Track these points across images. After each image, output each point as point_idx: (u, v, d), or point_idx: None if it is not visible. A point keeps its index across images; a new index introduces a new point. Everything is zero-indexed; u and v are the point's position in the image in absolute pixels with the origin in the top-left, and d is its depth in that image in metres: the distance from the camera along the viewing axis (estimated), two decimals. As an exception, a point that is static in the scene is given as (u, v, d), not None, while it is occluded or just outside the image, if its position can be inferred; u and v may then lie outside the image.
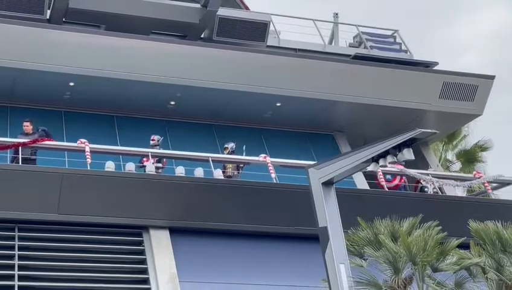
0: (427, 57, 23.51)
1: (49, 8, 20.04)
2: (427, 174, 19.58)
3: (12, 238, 16.08)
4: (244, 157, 19.07)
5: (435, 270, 13.72)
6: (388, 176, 19.65)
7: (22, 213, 16.11)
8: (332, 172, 14.09)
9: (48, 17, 20.02)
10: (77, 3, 19.97)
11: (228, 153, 19.16)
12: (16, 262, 15.66)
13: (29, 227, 16.28)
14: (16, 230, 16.20)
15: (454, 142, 30.40)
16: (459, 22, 60.68)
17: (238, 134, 21.61)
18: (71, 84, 19.58)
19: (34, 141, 17.26)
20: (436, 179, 18.99)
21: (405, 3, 59.73)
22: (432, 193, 20.07)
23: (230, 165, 18.85)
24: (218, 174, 18.14)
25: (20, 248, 15.97)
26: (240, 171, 18.83)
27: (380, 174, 19.12)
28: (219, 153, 19.86)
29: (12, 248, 15.96)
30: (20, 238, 16.12)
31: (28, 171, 16.46)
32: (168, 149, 19.58)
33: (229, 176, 18.63)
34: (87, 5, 20.13)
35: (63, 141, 18.69)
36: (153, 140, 18.88)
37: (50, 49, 18.88)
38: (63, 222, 16.42)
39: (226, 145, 19.44)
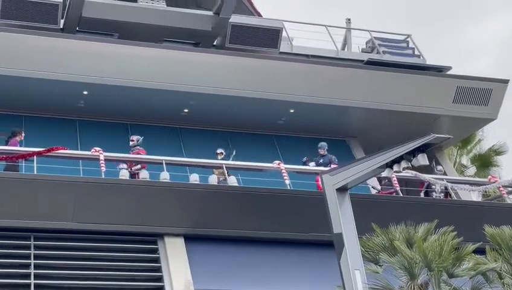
0: (440, 62, 23.46)
1: (62, 18, 20.15)
2: (442, 179, 19.51)
3: (28, 247, 16.14)
4: (257, 163, 19.05)
5: (451, 276, 13.64)
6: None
7: (37, 222, 16.16)
8: (346, 178, 14.07)
9: (61, 27, 20.14)
10: (90, 12, 20.07)
11: (222, 159, 18.96)
12: (32, 271, 15.69)
13: (44, 236, 16.33)
14: (32, 239, 16.25)
15: (469, 147, 30.28)
16: (472, 26, 60.56)
17: (251, 141, 21.66)
18: (85, 92, 19.68)
19: (49, 150, 17.32)
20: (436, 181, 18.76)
21: (417, 8, 59.67)
22: (438, 194, 19.97)
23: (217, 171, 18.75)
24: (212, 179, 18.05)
25: (36, 257, 16.01)
26: (227, 176, 18.66)
27: (395, 180, 19.04)
28: (233, 160, 19.85)
29: (28, 257, 16.00)
30: (36, 247, 16.16)
31: (43, 180, 16.52)
32: (182, 156, 19.63)
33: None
34: (100, 14, 20.23)
35: (78, 150, 18.76)
36: (132, 141, 18.72)
37: (64, 58, 18.99)
38: (78, 230, 16.46)
39: (217, 151, 19.25)
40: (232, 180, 18.19)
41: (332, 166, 18.69)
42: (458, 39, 58.92)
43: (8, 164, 17.29)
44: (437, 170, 21.59)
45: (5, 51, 18.51)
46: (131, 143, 18.71)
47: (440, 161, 23.01)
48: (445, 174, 21.41)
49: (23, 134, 18.26)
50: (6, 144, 17.94)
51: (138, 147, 18.66)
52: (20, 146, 17.94)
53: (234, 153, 19.20)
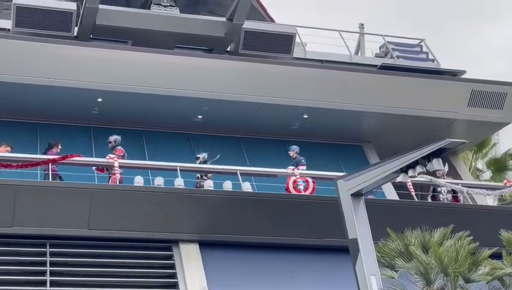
0: (455, 66, 23.40)
1: (76, 26, 20.23)
2: (457, 184, 19.40)
3: (44, 254, 16.20)
4: (271, 169, 19.03)
5: (467, 281, 13.57)
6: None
7: (53, 229, 16.22)
8: (361, 183, 14.04)
9: (75, 34, 20.22)
10: (104, 20, 20.15)
11: (200, 163, 18.84)
12: (48, 278, 15.75)
13: (60, 243, 16.38)
14: (48, 246, 16.31)
15: (484, 151, 30.17)
16: (486, 29, 60.32)
17: (265, 146, 21.64)
18: (99, 100, 19.74)
19: (63, 157, 17.38)
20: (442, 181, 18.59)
21: (431, 12, 59.52)
22: (445, 196, 19.84)
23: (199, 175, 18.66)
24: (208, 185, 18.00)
25: (52, 264, 16.07)
26: (205, 179, 18.54)
27: (410, 185, 18.96)
28: (247, 166, 19.84)
29: (44, 264, 16.07)
30: (52, 254, 16.22)
31: (58, 188, 16.58)
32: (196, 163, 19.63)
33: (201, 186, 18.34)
34: (114, 21, 20.30)
35: (92, 157, 18.81)
36: (110, 142, 18.51)
37: (78, 65, 19.05)
38: (93, 237, 16.51)
39: (198, 155, 19.12)
40: (209, 184, 18.08)
41: (300, 167, 18.77)
42: (471, 43, 58.74)
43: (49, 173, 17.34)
44: (438, 173, 21.35)
45: (19, 59, 18.59)
46: (109, 145, 18.50)
47: (455, 165, 22.91)
48: (447, 176, 21.18)
49: (59, 146, 18.21)
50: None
51: (118, 147, 18.48)
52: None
53: (218, 156, 19.06)
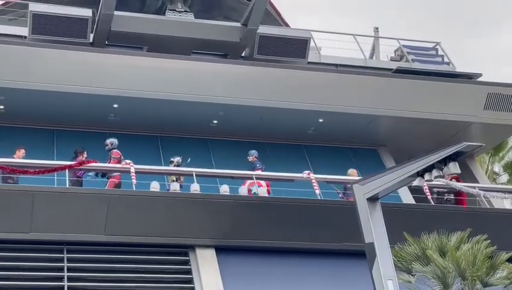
0: (470, 69, 23.29)
1: (92, 32, 20.34)
2: (474, 187, 19.31)
3: (61, 260, 16.28)
4: (287, 174, 19.03)
5: (485, 285, 13.53)
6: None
7: (70, 235, 16.31)
8: (377, 187, 14.01)
9: (91, 41, 20.32)
10: (119, 26, 20.23)
11: (174, 167, 18.76)
12: (66, 283, 15.83)
13: (77, 248, 16.46)
14: (65, 252, 16.39)
15: (501, 154, 30.05)
16: (501, 31, 60.02)
17: (281, 151, 21.63)
18: (115, 105, 19.81)
19: (80, 163, 17.47)
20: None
21: (445, 14, 59.35)
22: (448, 196, 19.73)
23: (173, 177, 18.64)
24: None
25: (69, 270, 16.15)
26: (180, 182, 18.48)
27: (426, 189, 18.89)
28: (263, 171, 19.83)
29: (61, 269, 16.15)
30: (69, 260, 16.30)
31: (75, 193, 16.66)
32: (212, 168, 19.68)
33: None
34: (129, 27, 20.37)
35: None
36: (106, 145, 18.56)
37: (94, 71, 19.13)
38: (110, 242, 16.59)
39: (171, 159, 19.02)
40: (175, 187, 18.02)
41: (256, 171, 18.75)
42: (485, 46, 58.48)
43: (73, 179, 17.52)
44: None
45: (35, 66, 18.69)
46: (106, 148, 18.50)
47: (472, 169, 22.80)
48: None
49: (85, 154, 18.28)
50: None
51: (114, 150, 18.44)
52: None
53: (189, 160, 19.04)
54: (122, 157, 18.27)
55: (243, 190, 18.17)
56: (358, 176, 18.35)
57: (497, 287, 13.67)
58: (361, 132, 21.81)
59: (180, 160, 18.86)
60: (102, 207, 16.37)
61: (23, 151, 17.78)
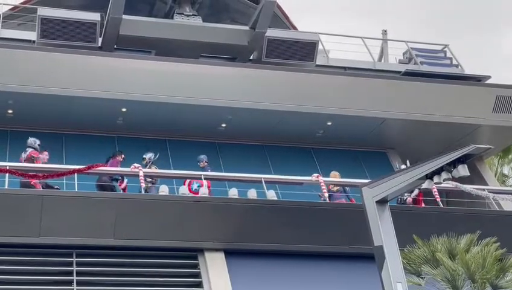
0: (479, 71, 23.25)
1: (100, 36, 20.39)
2: (483, 189, 19.26)
3: (70, 264, 16.30)
4: (296, 177, 19.00)
5: (495, 287, 13.49)
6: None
7: (79, 239, 16.34)
8: (386, 190, 13.99)
9: (99, 45, 20.37)
10: (128, 30, 20.28)
11: (146, 163, 18.64)
12: (75, 288, 15.85)
13: (86, 253, 16.48)
14: (74, 256, 16.42)
15: (510, 156, 29.95)
16: (510, 33, 59.89)
17: (289, 154, 21.64)
18: (123, 109, 19.85)
19: (89, 167, 17.49)
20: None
21: (454, 16, 59.25)
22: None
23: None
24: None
25: (78, 274, 16.17)
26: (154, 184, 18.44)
27: (435, 192, 18.85)
28: (271, 174, 19.85)
29: (70, 273, 16.17)
30: (78, 264, 16.32)
31: (84, 197, 16.69)
32: (221, 171, 19.69)
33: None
34: (137, 31, 20.42)
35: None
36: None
37: (102, 75, 19.18)
38: (119, 246, 16.60)
39: (144, 156, 18.86)
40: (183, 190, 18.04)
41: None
42: (494, 48, 58.34)
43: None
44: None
45: (44, 70, 18.75)
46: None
47: (481, 171, 22.74)
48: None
49: (123, 155, 18.42)
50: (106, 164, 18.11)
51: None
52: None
53: (157, 156, 18.99)
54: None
55: (183, 189, 18.04)
56: (367, 179, 18.29)
57: (507, 290, 13.63)
58: (369, 134, 21.79)
59: (153, 156, 18.82)
60: (111, 211, 16.38)
61: (46, 153, 17.87)
